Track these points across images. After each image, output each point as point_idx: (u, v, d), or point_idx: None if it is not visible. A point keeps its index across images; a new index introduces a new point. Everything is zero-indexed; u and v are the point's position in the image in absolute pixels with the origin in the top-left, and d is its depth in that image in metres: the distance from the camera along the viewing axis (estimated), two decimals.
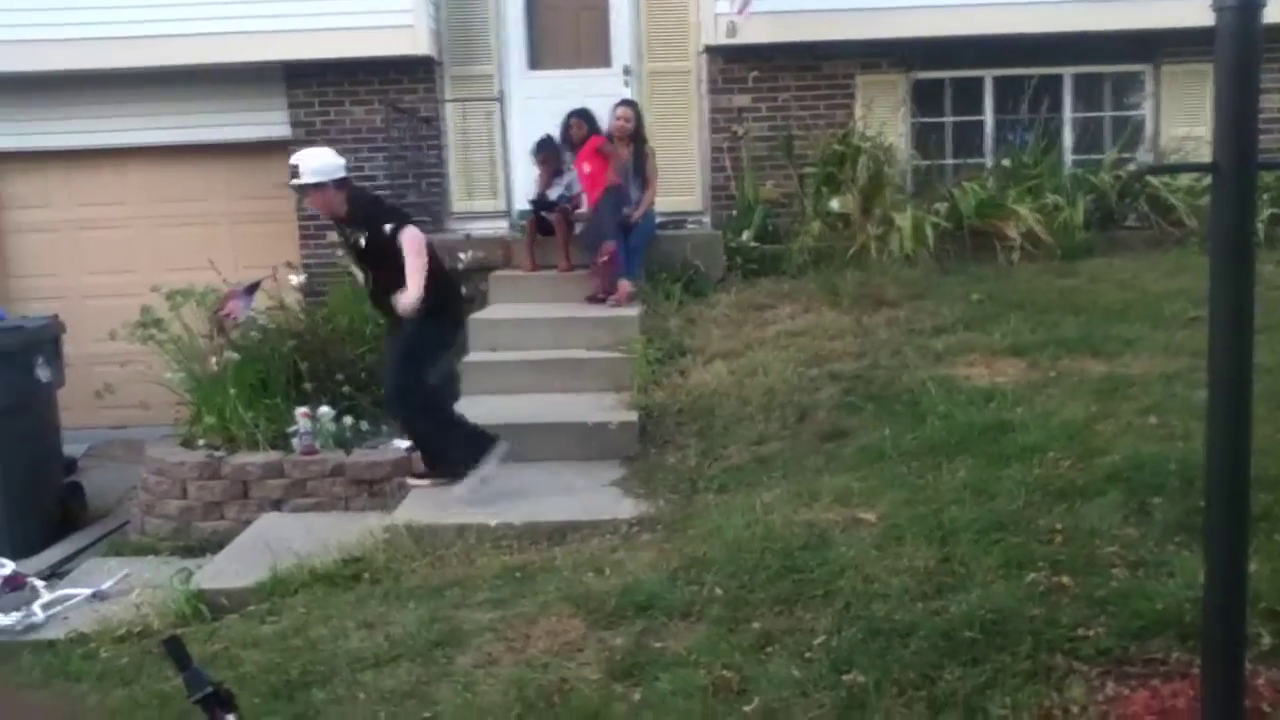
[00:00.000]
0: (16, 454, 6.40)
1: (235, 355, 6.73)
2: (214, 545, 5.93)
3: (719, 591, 4.02)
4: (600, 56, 9.12)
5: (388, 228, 5.26)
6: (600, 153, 7.50)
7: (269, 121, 9.04)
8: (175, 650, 2.72)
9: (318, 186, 5.31)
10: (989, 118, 9.05)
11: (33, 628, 5.11)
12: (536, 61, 9.16)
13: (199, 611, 4.93)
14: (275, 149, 8.98)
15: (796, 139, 8.80)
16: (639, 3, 9.04)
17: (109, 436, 8.36)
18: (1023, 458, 4.74)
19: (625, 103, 7.90)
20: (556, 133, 7.83)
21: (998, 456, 4.80)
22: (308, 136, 8.89)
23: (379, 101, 8.95)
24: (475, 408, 6.39)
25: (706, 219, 9.02)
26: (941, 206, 7.98)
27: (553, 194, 7.83)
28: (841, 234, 7.97)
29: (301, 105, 9.03)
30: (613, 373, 6.63)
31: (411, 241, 5.23)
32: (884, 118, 8.64)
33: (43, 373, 6.74)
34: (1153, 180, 8.13)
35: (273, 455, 6.31)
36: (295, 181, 5.32)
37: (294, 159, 5.37)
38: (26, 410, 6.54)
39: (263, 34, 8.50)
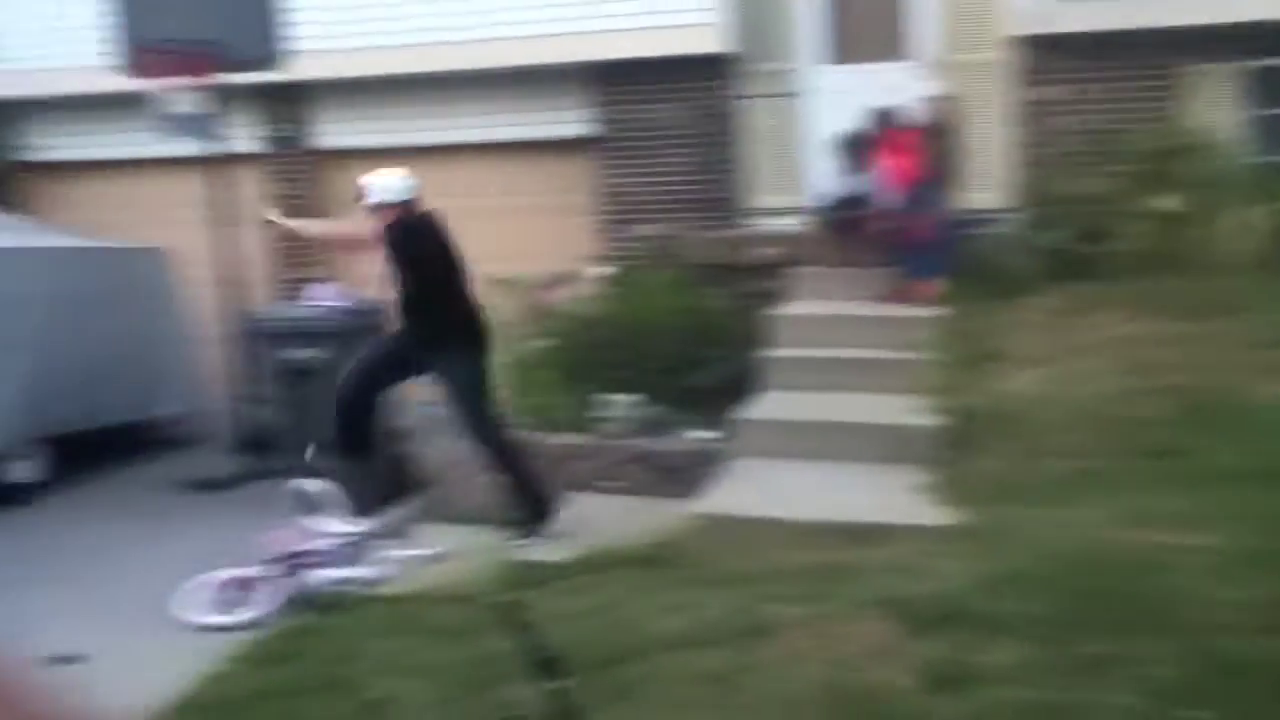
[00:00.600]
0: None
1: (549, 342, 7.11)
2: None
3: (1043, 609, 3.89)
4: (902, 49, 8.94)
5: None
6: (905, 148, 7.36)
7: (578, 120, 9.45)
8: (512, 615, 2.95)
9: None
10: None
11: (374, 582, 5.60)
12: (836, 55, 9.10)
13: (518, 581, 5.25)
14: (584, 146, 9.42)
15: (1114, 133, 8.29)
16: None
17: (434, 411, 9.02)
18: None
19: (933, 96, 7.72)
20: (857, 127, 7.76)
21: None
22: (615, 134, 9.25)
23: (678, 99, 9.17)
24: (775, 405, 6.48)
25: (1013, 217, 8.66)
26: None
27: (853, 189, 7.77)
28: (1167, 235, 7.45)
29: (604, 104, 9.38)
30: (914, 374, 6.51)
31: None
32: (1213, 110, 8.00)
33: None
34: None
35: (582, 438, 6.63)
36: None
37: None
38: None
39: (570, 35, 8.89)
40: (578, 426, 6.76)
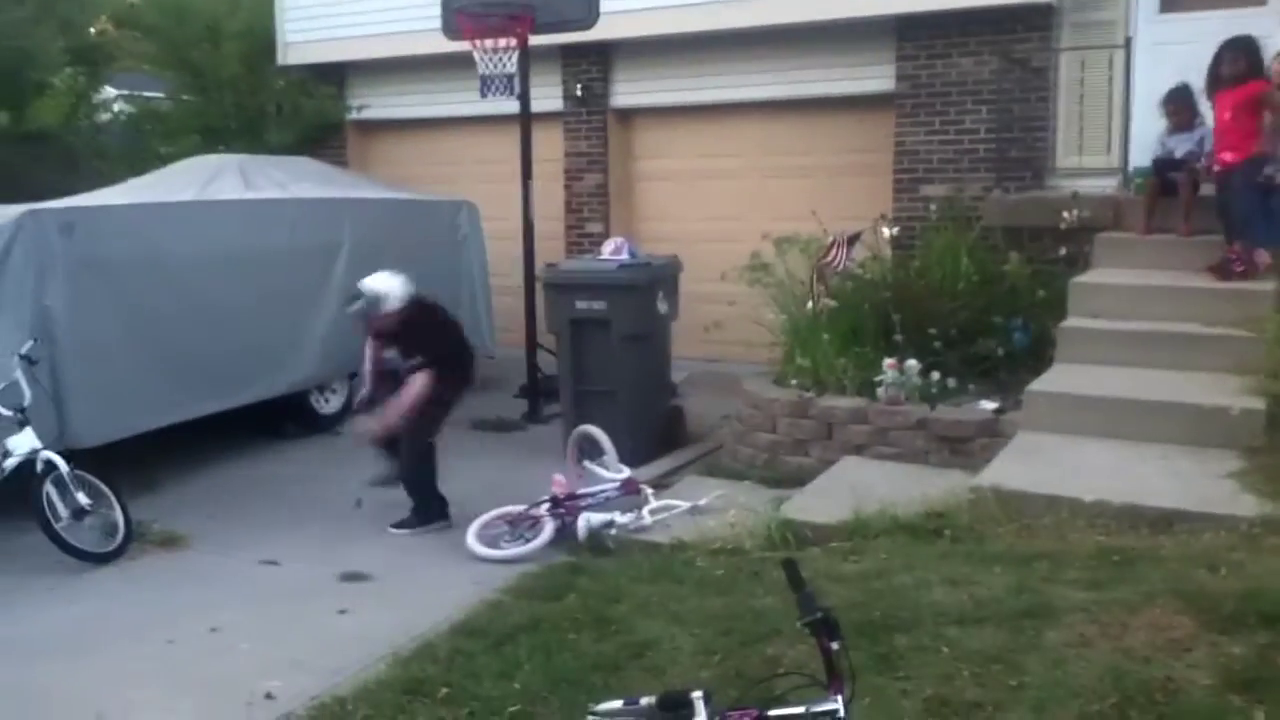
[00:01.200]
0: (637, 376, 7.21)
1: (832, 302, 6.97)
2: (796, 480, 6.22)
3: None
4: None
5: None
6: (1255, 102, 6.53)
7: (875, 76, 9.14)
8: (792, 572, 2.86)
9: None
10: None
11: (642, 529, 5.73)
12: (1170, 2, 8.29)
13: (785, 539, 5.20)
14: (879, 103, 9.12)
15: None
16: None
17: (702, 368, 9.12)
18: None
19: None
20: (1190, 81, 7.02)
21: None
22: (912, 90, 8.90)
23: (989, 52, 8.66)
24: (1068, 377, 6.05)
25: None
26: None
27: (1180, 150, 7.07)
28: None
29: (909, 59, 9.00)
30: (1235, 353, 5.88)
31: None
32: None
33: (662, 305, 7.49)
34: None
35: (858, 401, 6.46)
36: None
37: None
38: (647, 338, 7.32)
39: None
40: (856, 390, 6.58)
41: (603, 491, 6.09)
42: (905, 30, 8.94)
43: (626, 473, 6.28)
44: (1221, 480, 4.94)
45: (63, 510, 5.69)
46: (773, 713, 2.75)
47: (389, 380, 6.32)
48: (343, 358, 8.49)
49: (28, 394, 5.80)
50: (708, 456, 7.27)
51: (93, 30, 14.03)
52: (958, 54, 8.79)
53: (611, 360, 7.13)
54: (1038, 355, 6.54)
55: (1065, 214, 7.38)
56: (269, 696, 4.12)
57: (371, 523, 6.28)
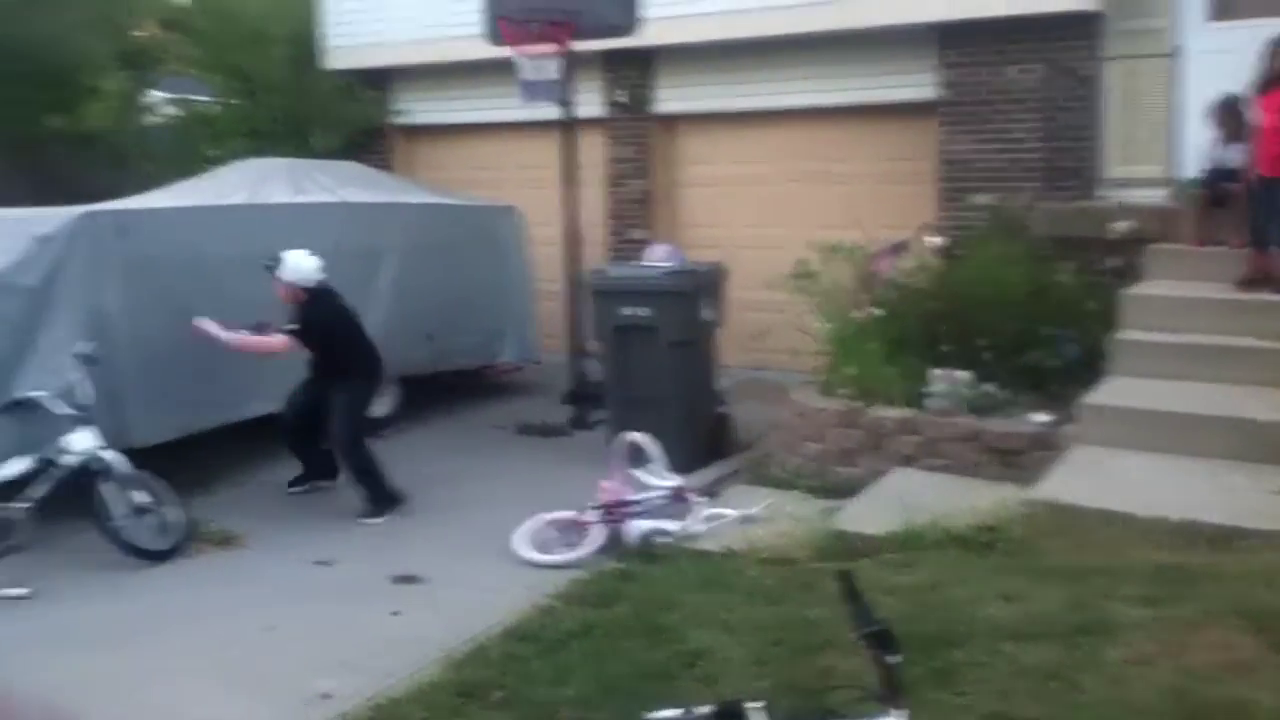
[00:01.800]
0: (683, 383, 7.21)
1: (878, 311, 6.94)
2: (845, 490, 6.21)
3: None
4: None
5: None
6: None
7: (916, 84, 9.11)
8: (848, 584, 2.85)
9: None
10: None
11: (691, 537, 5.74)
12: (1220, 10, 8.21)
13: (836, 550, 5.19)
14: (921, 111, 9.09)
15: None
16: None
17: (748, 376, 9.12)
18: None
19: None
20: (1239, 91, 6.95)
21: None
22: (956, 98, 8.87)
23: (1034, 61, 8.62)
24: (1123, 391, 6.01)
25: None
26: None
27: (1232, 160, 7.00)
28: None
29: (953, 66, 8.97)
30: None
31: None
32: None
33: (707, 313, 7.49)
34: None
35: (907, 412, 6.44)
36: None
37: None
38: (693, 345, 7.32)
39: None
40: (904, 400, 6.56)
41: (651, 499, 6.10)
42: (948, 38, 8.90)
43: (675, 480, 6.29)
44: (1275, 496, 4.89)
45: (122, 508, 5.79)
46: None
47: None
48: (389, 362, 8.57)
49: (87, 393, 5.90)
50: (755, 465, 7.27)
51: (139, 34, 14.23)
52: (1002, 62, 8.74)
53: (658, 367, 7.14)
54: (1089, 368, 6.48)
55: (1114, 225, 7.33)
56: (325, 696, 4.17)
57: (421, 526, 6.33)
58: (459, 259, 9.27)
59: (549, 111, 9.02)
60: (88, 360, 6.00)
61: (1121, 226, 7.34)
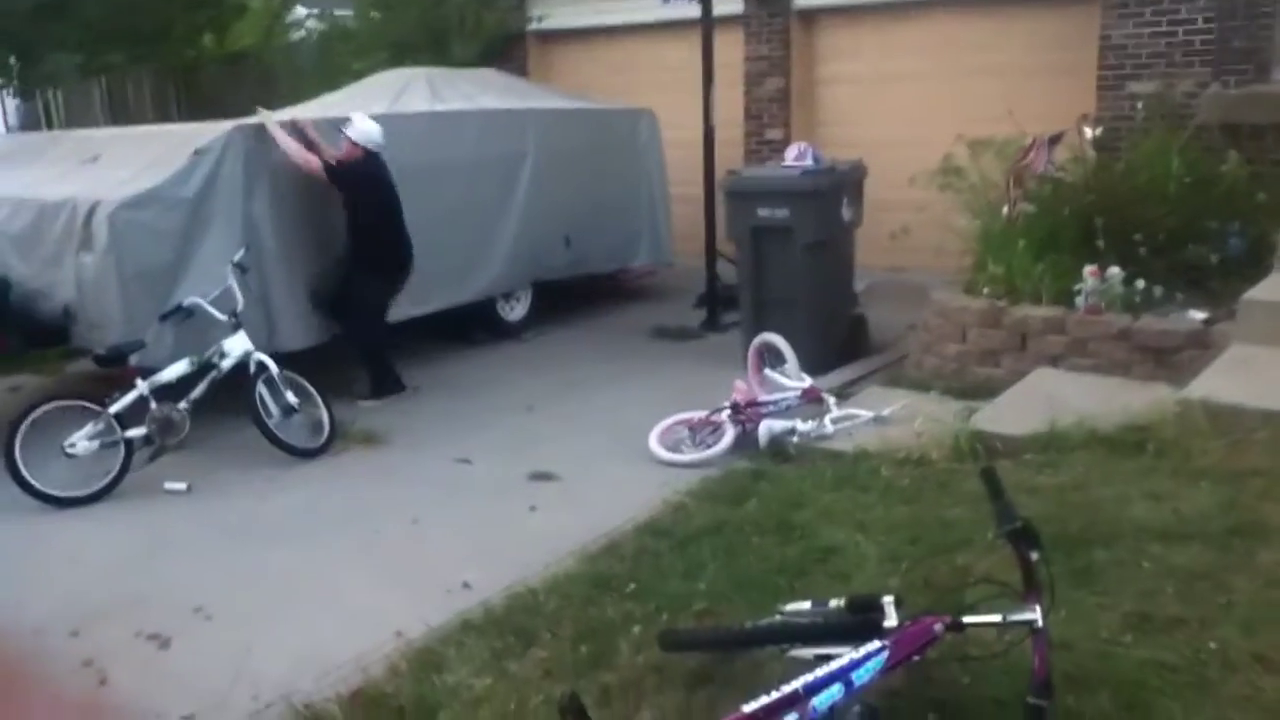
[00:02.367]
0: (819, 284, 7.07)
1: (1029, 207, 6.64)
2: (985, 391, 6.02)
3: None
4: None
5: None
6: None
7: None
8: (991, 481, 2.78)
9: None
10: None
11: (824, 437, 5.67)
12: None
13: (974, 450, 5.05)
14: None
15: None
16: None
17: (887, 278, 8.90)
18: None
19: None
20: None
21: None
22: None
23: None
24: None
25: None
26: None
27: None
28: None
29: None
30: None
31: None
32: None
33: (846, 212, 7.30)
34: None
35: (1055, 310, 6.17)
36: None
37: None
38: (830, 246, 7.15)
39: None
40: (1052, 299, 6.29)
41: (784, 399, 6.06)
42: None
43: (808, 381, 6.21)
44: None
45: (274, 408, 6.07)
46: (967, 619, 2.71)
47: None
48: (527, 266, 8.68)
49: (240, 299, 6.17)
50: (891, 367, 7.12)
51: None
52: None
53: (793, 269, 7.02)
54: (1255, 263, 6.09)
55: None
56: (466, 585, 4.32)
57: (557, 427, 6.45)
58: (595, 163, 9.26)
59: (686, 10, 8.83)
60: (240, 268, 6.27)
61: None
